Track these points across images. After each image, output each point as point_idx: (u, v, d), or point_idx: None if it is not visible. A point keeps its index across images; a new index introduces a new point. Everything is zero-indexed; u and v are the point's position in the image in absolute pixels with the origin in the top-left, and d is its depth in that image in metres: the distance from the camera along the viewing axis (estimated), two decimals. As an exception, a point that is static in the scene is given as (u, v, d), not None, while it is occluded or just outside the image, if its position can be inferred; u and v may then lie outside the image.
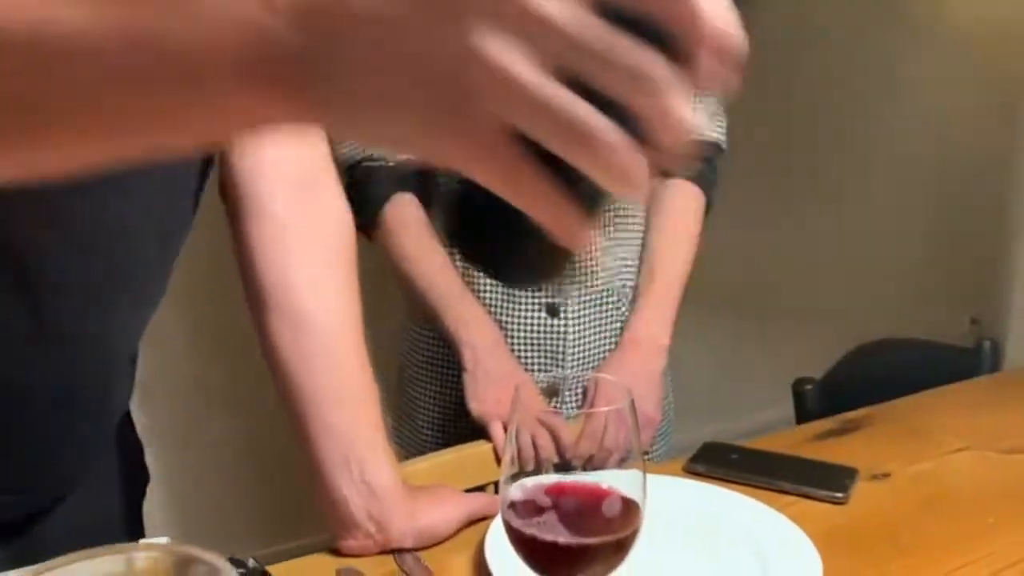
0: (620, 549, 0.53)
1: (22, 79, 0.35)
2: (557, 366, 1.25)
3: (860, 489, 0.96)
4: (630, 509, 0.54)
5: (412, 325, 1.33)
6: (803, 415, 1.30)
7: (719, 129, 1.30)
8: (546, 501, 0.54)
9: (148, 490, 1.00)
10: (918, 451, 1.05)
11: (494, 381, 1.16)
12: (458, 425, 1.28)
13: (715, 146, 1.29)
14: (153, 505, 1.01)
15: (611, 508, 0.53)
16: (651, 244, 1.27)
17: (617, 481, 0.56)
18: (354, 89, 0.32)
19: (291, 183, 0.86)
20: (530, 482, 0.57)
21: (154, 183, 0.73)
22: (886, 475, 0.99)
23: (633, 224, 1.28)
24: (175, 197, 0.79)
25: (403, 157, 1.23)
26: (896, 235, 3.17)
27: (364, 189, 1.24)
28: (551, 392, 1.24)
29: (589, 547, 0.52)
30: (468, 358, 1.18)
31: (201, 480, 2.16)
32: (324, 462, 0.86)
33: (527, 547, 0.53)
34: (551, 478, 0.57)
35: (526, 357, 1.24)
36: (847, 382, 1.31)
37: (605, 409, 0.62)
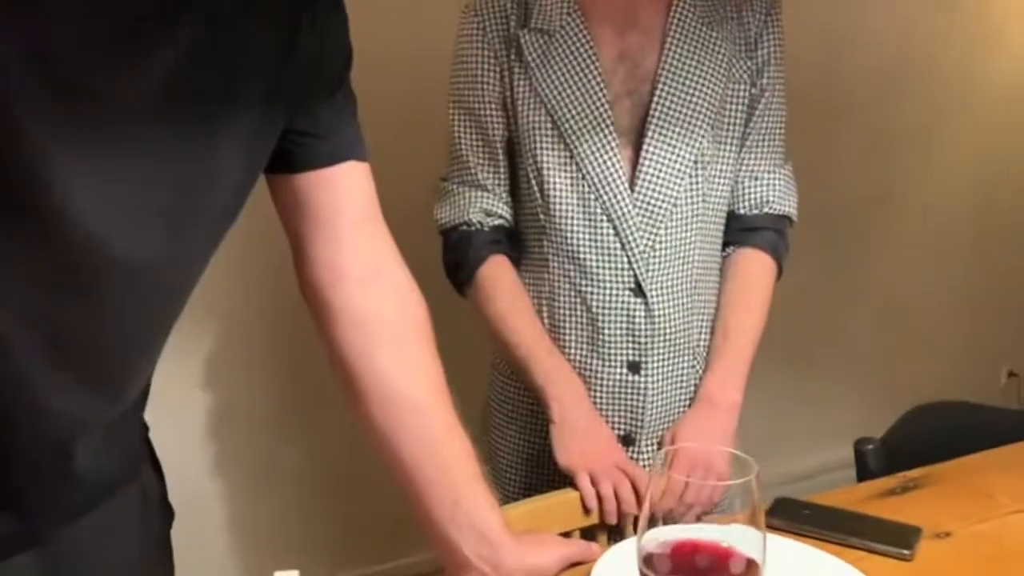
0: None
1: None
2: (637, 421, 1.32)
3: (924, 547, 1.00)
4: (751, 568, 0.62)
5: (498, 375, 1.42)
6: (864, 473, 1.36)
7: (791, 202, 1.38)
8: (678, 559, 0.62)
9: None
10: (978, 511, 1.10)
11: (580, 434, 1.23)
12: (540, 472, 1.35)
13: (787, 219, 1.37)
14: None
15: (737, 567, 0.62)
16: (725, 307, 1.33)
17: (735, 539, 0.64)
18: None
19: (359, 279, 0.93)
20: (660, 536, 0.64)
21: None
22: (948, 534, 1.04)
23: (709, 288, 1.35)
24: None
25: (496, 221, 1.33)
26: (933, 291, 3.21)
27: (461, 251, 1.33)
28: (628, 441, 1.33)
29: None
30: (556, 411, 1.25)
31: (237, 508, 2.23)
32: (433, 514, 0.93)
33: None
34: (677, 534, 0.65)
35: (607, 411, 1.31)
36: (905, 442, 1.37)
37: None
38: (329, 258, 0.92)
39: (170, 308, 0.82)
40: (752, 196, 1.35)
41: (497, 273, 1.32)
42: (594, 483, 1.19)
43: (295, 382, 2.19)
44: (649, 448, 1.32)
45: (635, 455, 1.31)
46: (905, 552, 0.99)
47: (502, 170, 1.34)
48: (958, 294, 3.28)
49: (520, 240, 1.36)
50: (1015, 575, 0.97)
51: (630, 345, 1.30)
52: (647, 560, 0.63)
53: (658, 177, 1.27)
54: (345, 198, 0.91)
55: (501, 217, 1.35)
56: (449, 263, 1.36)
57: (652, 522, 0.65)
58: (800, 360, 2.71)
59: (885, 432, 1.42)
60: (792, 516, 1.06)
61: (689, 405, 1.32)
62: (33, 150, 0.65)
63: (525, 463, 1.37)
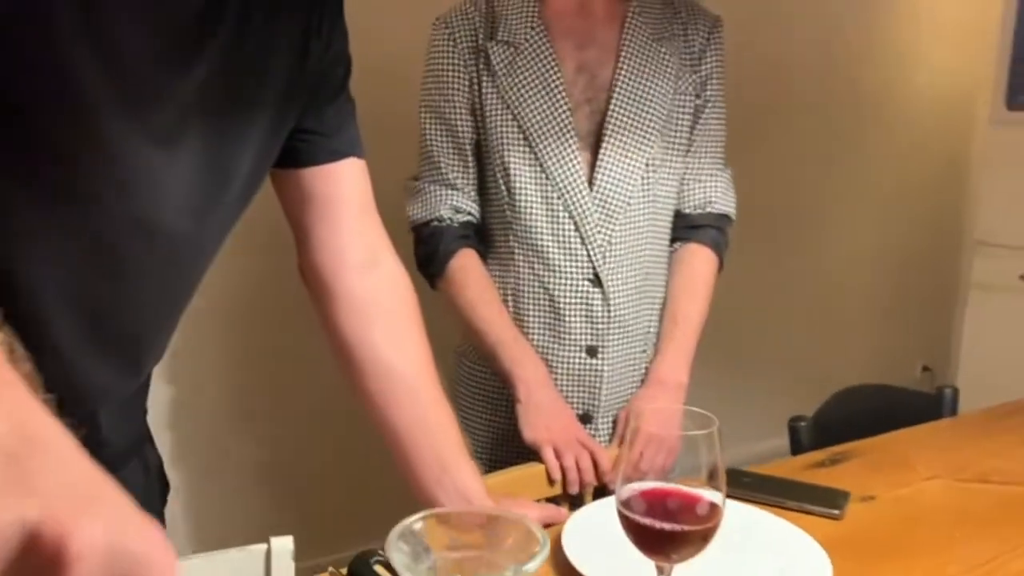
0: (706, 537, 0.71)
1: None
2: (594, 400, 1.41)
3: (851, 508, 1.12)
4: (714, 510, 0.72)
5: (465, 361, 1.49)
6: (797, 448, 1.48)
7: (730, 202, 1.49)
8: (652, 500, 0.71)
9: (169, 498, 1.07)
10: (897, 478, 1.22)
11: (544, 412, 1.32)
12: (507, 449, 1.43)
13: (727, 217, 1.48)
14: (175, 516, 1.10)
15: (702, 509, 0.71)
16: (672, 298, 1.43)
17: (699, 489, 0.73)
18: None
19: (357, 266, 1.00)
20: (635, 487, 0.74)
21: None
22: (872, 497, 1.16)
23: (658, 280, 1.45)
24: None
25: (464, 218, 1.41)
26: (856, 292, 3.39)
27: (432, 245, 1.39)
28: (586, 419, 1.42)
29: (692, 533, 0.70)
30: (522, 392, 1.33)
31: (224, 494, 2.27)
32: (421, 476, 1.01)
33: (641, 533, 0.71)
34: (649, 485, 0.74)
35: (568, 391, 1.40)
36: (833, 420, 1.49)
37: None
38: (330, 246, 0.98)
39: (189, 287, 0.88)
40: (696, 196, 1.46)
41: (467, 265, 1.40)
42: (557, 456, 1.28)
43: (252, 374, 2.23)
44: (605, 425, 1.42)
45: (593, 431, 1.40)
46: (835, 512, 1.10)
47: (470, 170, 1.42)
48: (878, 295, 3.48)
49: (487, 235, 1.44)
50: (929, 531, 1.09)
51: (588, 331, 1.39)
52: (625, 503, 0.72)
53: (614, 178, 1.37)
54: (346, 191, 0.97)
55: (469, 214, 1.43)
56: (421, 256, 1.43)
57: (606, 492, 0.73)
58: (733, 354, 2.85)
59: (815, 411, 1.54)
60: (735, 484, 1.16)
61: (641, 385, 1.42)
62: (103, 136, 0.71)
63: (493, 441, 1.45)
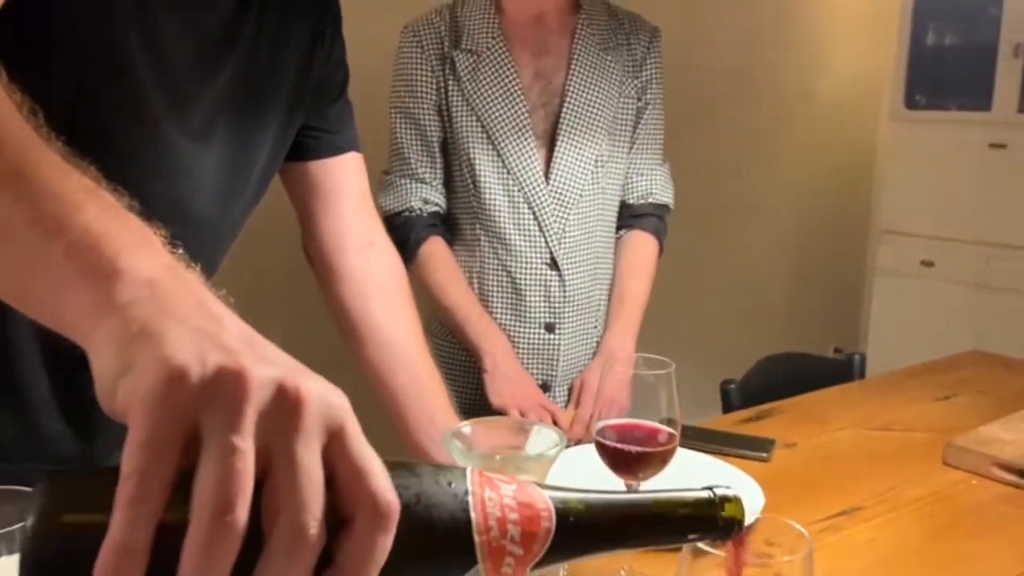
0: (665, 458, 0.87)
1: None
2: (552, 371, 1.56)
3: (777, 454, 1.29)
4: (671, 438, 0.88)
5: (432, 337, 1.63)
6: (728, 407, 1.66)
7: (669, 194, 1.67)
8: (622, 431, 0.87)
9: None
10: (815, 429, 1.40)
11: (510, 380, 1.47)
12: (472, 414, 1.58)
13: (666, 207, 1.65)
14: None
15: (663, 437, 0.87)
16: (619, 280, 1.59)
17: (659, 425, 0.89)
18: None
19: (357, 248, 1.11)
20: (608, 422, 0.89)
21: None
22: (794, 444, 1.33)
23: (607, 263, 1.61)
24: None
25: (433, 208, 1.55)
26: (774, 277, 3.63)
27: (404, 233, 1.51)
28: (545, 388, 1.58)
29: (654, 454, 0.86)
30: (488, 363, 1.48)
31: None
32: (415, 433, 1.12)
33: (614, 455, 0.86)
34: (619, 421, 0.90)
35: (528, 364, 1.54)
36: (758, 383, 1.68)
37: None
38: (333, 230, 1.09)
39: (211, 271, 0.98)
40: (639, 189, 1.63)
41: (436, 251, 1.53)
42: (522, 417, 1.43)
43: None
44: (562, 392, 1.58)
45: (551, 398, 1.56)
46: (764, 455, 1.28)
47: (438, 166, 1.55)
48: (794, 281, 3.73)
49: (454, 224, 1.58)
50: (841, 469, 1.27)
51: (546, 310, 1.54)
52: (600, 433, 0.88)
53: (567, 172, 1.52)
54: (347, 182, 1.09)
55: (437, 205, 1.57)
56: (393, 243, 1.55)
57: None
58: (672, 328, 3.04)
59: (742, 376, 1.73)
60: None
61: (593, 357, 1.58)
62: (156, 131, 0.82)
63: (460, 407, 1.59)
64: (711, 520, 0.44)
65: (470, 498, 0.39)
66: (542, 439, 0.58)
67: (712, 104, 3.18)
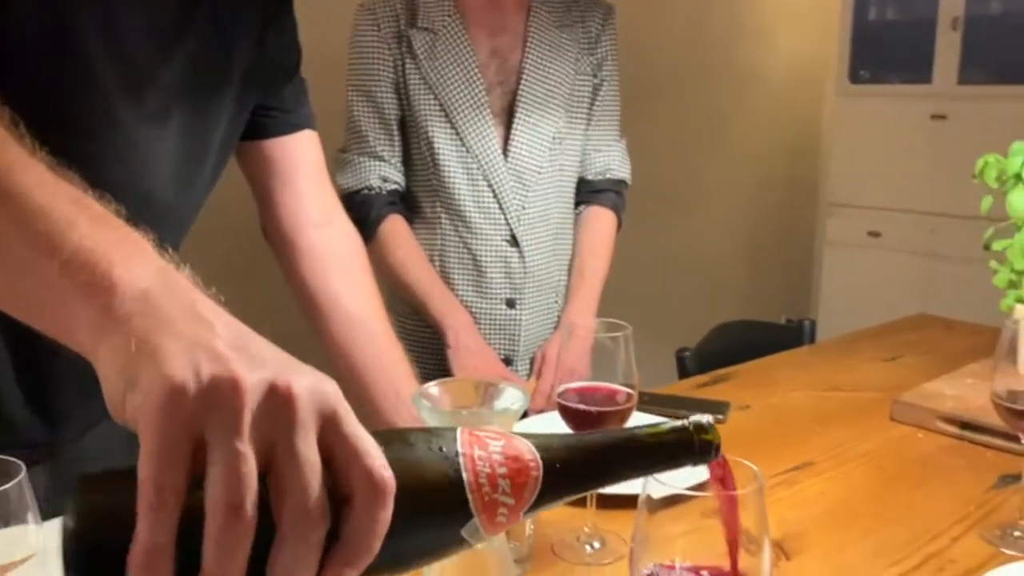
0: (624, 417, 0.90)
1: None
2: (514, 346, 1.58)
3: (732, 415, 1.33)
4: (630, 398, 0.91)
5: (395, 315, 1.64)
6: (683, 373, 1.70)
7: (626, 169, 1.69)
8: (583, 393, 0.90)
9: None
10: (767, 392, 1.44)
11: (473, 354, 1.48)
12: (437, 390, 1.60)
13: (624, 183, 1.68)
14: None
15: (621, 397, 0.90)
16: (579, 254, 1.61)
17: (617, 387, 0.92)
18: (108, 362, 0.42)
19: (315, 224, 1.12)
20: (569, 385, 0.92)
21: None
22: (748, 406, 1.37)
23: (566, 239, 1.64)
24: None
25: (392, 186, 1.55)
26: (726, 251, 3.69)
27: (364, 211, 1.52)
28: (507, 362, 1.60)
29: (613, 413, 0.89)
30: (451, 338, 1.49)
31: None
32: (380, 406, 1.13)
33: (575, 416, 0.89)
34: (580, 384, 0.92)
35: (491, 339, 1.56)
36: (713, 350, 1.72)
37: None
38: (292, 207, 1.10)
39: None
40: (597, 165, 1.65)
41: (396, 229, 1.54)
42: (487, 391, 1.45)
43: None
44: (524, 366, 1.60)
45: (513, 371, 1.59)
46: (720, 417, 1.32)
47: (396, 144, 1.56)
48: (746, 254, 3.79)
49: (414, 202, 1.59)
50: (794, 428, 1.31)
51: (507, 285, 1.56)
52: (562, 395, 0.90)
53: (525, 149, 1.54)
54: (303, 159, 1.10)
55: (396, 183, 1.57)
56: (352, 222, 1.56)
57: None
58: (629, 300, 3.08)
59: (697, 344, 1.77)
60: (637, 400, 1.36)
61: (554, 331, 1.61)
62: (112, 116, 0.82)
63: (421, 382, 1.61)
64: (688, 445, 0.47)
65: (461, 459, 0.42)
66: (507, 397, 0.61)
67: (663, 83, 3.21)
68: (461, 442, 0.43)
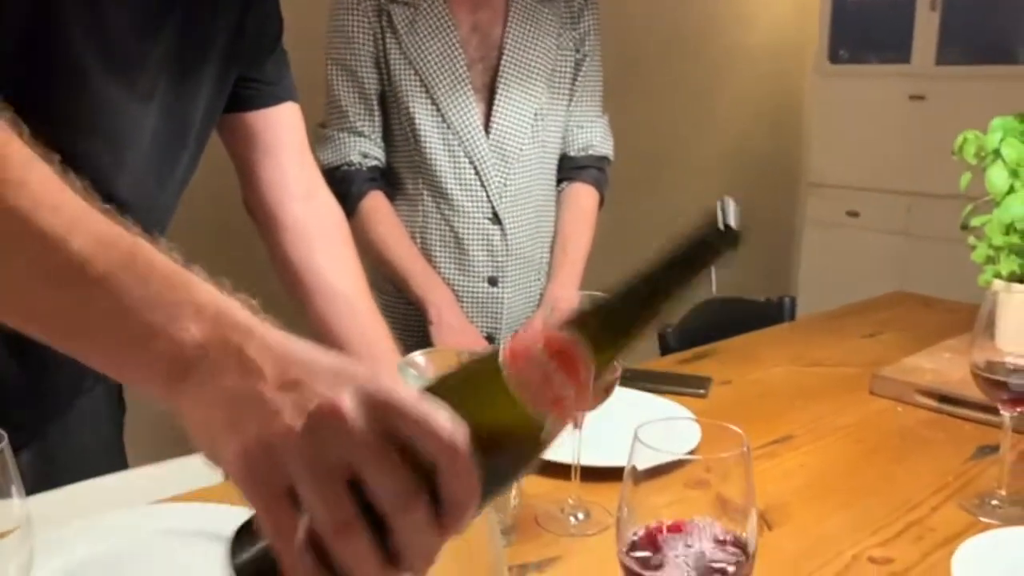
0: (608, 389, 0.90)
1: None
2: (496, 324, 1.57)
3: (714, 390, 1.33)
4: (614, 372, 0.91)
5: (377, 291, 1.63)
6: (666, 350, 1.71)
7: (608, 145, 1.69)
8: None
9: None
10: (748, 368, 1.45)
11: (456, 331, 1.48)
12: (421, 367, 1.60)
13: (605, 158, 1.67)
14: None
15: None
16: (561, 231, 1.61)
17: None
18: (196, 407, 0.46)
19: (299, 197, 1.10)
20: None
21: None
22: (729, 382, 1.38)
23: (549, 217, 1.63)
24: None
25: (372, 162, 1.53)
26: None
27: (344, 187, 1.49)
28: (489, 341, 1.60)
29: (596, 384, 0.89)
30: (433, 315, 1.48)
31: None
32: None
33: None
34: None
35: (473, 317, 1.55)
36: (694, 326, 1.73)
37: None
38: (274, 180, 1.09)
39: (161, 233, 0.99)
40: (579, 141, 1.64)
41: (377, 206, 1.52)
42: (470, 368, 1.45)
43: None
44: (506, 344, 1.60)
45: (496, 349, 1.58)
46: (702, 392, 1.32)
47: (376, 119, 1.54)
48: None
49: (396, 179, 1.58)
50: (775, 403, 1.32)
51: (489, 263, 1.55)
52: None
53: (507, 126, 1.53)
54: (286, 131, 1.09)
55: (376, 159, 1.56)
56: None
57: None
58: (612, 276, 3.09)
59: (679, 320, 1.77)
60: (621, 376, 1.36)
61: (537, 309, 1.61)
62: (94, 96, 0.82)
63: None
64: (715, 234, 0.51)
65: (509, 381, 0.44)
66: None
67: (644, 60, 3.20)
68: (505, 364, 0.44)
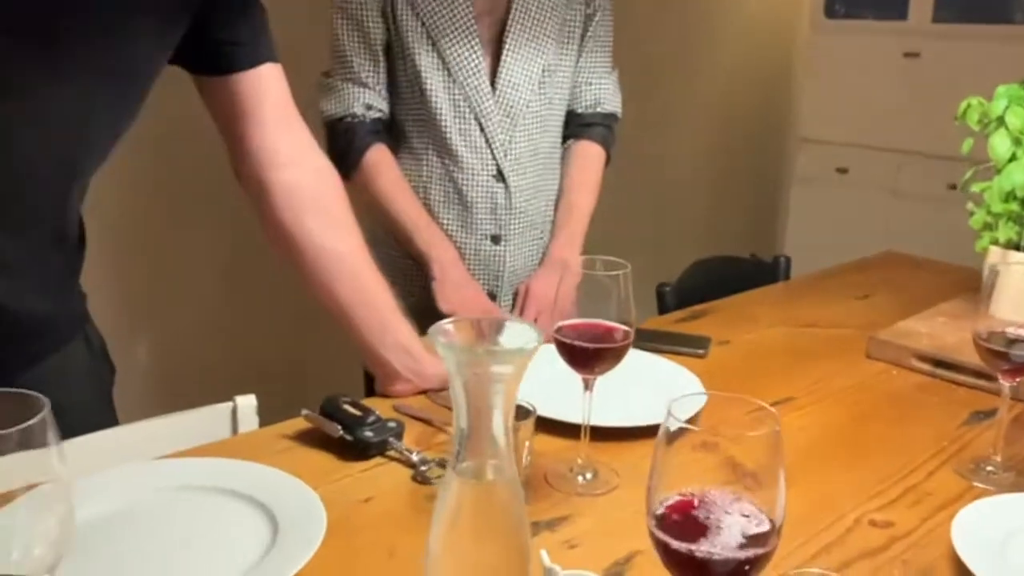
0: (620, 354, 0.91)
1: None
2: (498, 281, 1.57)
3: (713, 350, 1.35)
4: (627, 335, 0.92)
5: (378, 245, 1.62)
6: (663, 309, 1.72)
7: (617, 102, 1.66)
8: (580, 329, 0.91)
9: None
10: (746, 327, 1.47)
11: (458, 287, 1.47)
12: (422, 323, 1.59)
13: (614, 116, 1.64)
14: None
15: (619, 334, 0.91)
16: (566, 189, 1.59)
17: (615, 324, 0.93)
18: None
19: (288, 161, 1.09)
20: (567, 322, 0.92)
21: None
22: (728, 341, 1.40)
23: (553, 174, 1.62)
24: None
25: (376, 115, 1.51)
26: (691, 188, 3.70)
27: (347, 140, 1.48)
28: (491, 297, 1.60)
29: (610, 349, 0.90)
30: (436, 270, 1.47)
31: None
32: (367, 339, 1.14)
33: (572, 352, 0.90)
34: (578, 321, 0.93)
35: (475, 274, 1.54)
36: (691, 285, 1.74)
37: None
38: (260, 145, 1.07)
39: (78, 170, 0.97)
40: (587, 98, 1.62)
41: (381, 159, 1.50)
42: (472, 323, 1.45)
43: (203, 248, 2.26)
44: (507, 302, 1.60)
45: (497, 307, 1.59)
46: (700, 351, 1.34)
47: (381, 70, 1.52)
48: (716, 189, 3.80)
49: (401, 132, 1.55)
50: (772, 363, 1.33)
51: (492, 221, 1.54)
52: (558, 330, 0.91)
53: (514, 82, 1.51)
54: (267, 93, 1.07)
55: (380, 111, 1.53)
56: (335, 151, 1.50)
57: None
58: (609, 235, 3.08)
59: (676, 280, 1.78)
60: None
61: (538, 266, 1.60)
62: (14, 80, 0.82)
63: (408, 316, 1.61)
64: None
65: None
66: (516, 333, 0.61)
67: (632, 10, 3.15)
68: None
